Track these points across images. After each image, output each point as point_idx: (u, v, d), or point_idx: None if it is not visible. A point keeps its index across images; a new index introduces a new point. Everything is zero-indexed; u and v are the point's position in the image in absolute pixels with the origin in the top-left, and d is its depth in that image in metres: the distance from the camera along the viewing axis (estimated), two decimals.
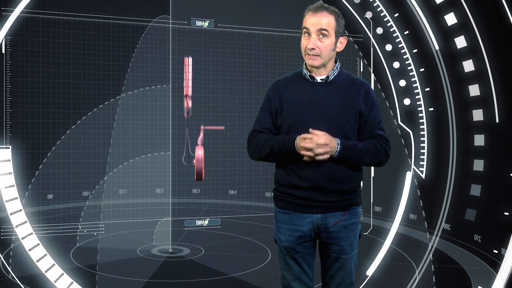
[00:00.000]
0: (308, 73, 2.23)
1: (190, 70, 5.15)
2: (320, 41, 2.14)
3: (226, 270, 4.45)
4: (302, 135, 2.09)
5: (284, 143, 2.15)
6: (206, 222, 5.93)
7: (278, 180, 2.27)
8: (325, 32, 2.13)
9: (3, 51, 5.45)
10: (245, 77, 6.37)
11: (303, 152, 2.08)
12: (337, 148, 2.09)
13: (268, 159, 2.25)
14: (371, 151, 2.17)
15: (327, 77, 2.21)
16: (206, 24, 6.16)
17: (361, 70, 6.43)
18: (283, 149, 2.14)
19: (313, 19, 2.14)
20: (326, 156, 2.08)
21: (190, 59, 5.17)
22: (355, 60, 6.46)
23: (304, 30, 2.16)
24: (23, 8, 5.47)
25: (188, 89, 5.17)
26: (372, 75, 6.38)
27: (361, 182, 2.29)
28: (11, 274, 4.19)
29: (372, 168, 6.32)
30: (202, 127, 5.05)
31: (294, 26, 6.39)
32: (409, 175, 5.81)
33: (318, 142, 2.05)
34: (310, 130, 2.08)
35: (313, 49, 2.13)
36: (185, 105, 5.19)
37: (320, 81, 2.21)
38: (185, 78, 5.21)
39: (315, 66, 2.17)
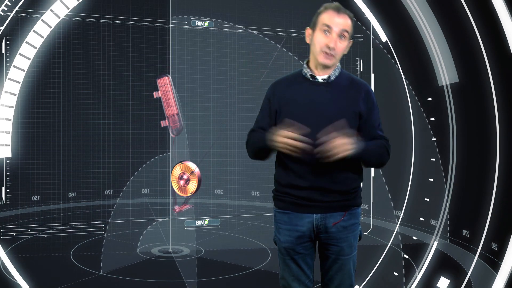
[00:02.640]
0: (309, 73, 2.22)
1: (171, 89, 5.11)
2: (340, 42, 2.16)
3: (226, 270, 4.45)
4: (279, 133, 2.08)
5: (260, 141, 2.19)
6: (206, 222, 5.94)
7: (278, 180, 2.27)
8: (346, 34, 2.16)
9: (3, 51, 5.45)
10: (245, 77, 6.37)
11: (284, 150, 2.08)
12: (353, 150, 2.05)
13: (259, 157, 2.30)
14: (377, 153, 2.17)
15: (329, 77, 2.21)
16: (206, 24, 6.16)
17: (361, 70, 6.43)
18: (261, 145, 2.19)
19: (338, 20, 2.15)
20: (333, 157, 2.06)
21: (170, 78, 5.14)
22: (355, 60, 6.46)
23: (325, 27, 2.15)
24: (23, 8, 5.47)
25: (173, 108, 5.12)
26: (372, 75, 6.38)
27: (361, 184, 2.29)
28: (11, 274, 4.19)
29: (372, 168, 6.32)
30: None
31: (294, 26, 6.39)
32: (409, 176, 5.82)
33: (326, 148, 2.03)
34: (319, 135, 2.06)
35: (334, 48, 2.14)
36: (170, 124, 5.15)
37: (322, 81, 2.21)
38: (166, 98, 5.14)
39: (329, 65, 2.18)
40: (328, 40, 2.14)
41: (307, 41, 2.25)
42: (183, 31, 6.11)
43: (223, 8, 6.29)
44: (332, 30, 2.14)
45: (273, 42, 6.40)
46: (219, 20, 6.23)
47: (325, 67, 2.19)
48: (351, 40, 2.23)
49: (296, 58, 6.37)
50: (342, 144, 2.01)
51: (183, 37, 6.12)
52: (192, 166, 5.04)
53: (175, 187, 5.09)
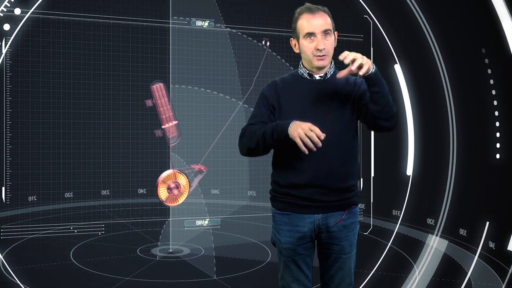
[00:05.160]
0: (307, 72, 2.24)
1: (166, 96, 5.06)
2: (326, 40, 2.17)
3: (226, 270, 4.45)
4: (305, 122, 2.00)
5: (277, 126, 2.08)
6: (206, 222, 5.94)
7: (276, 181, 2.27)
8: (329, 31, 2.17)
9: (3, 51, 5.45)
10: (245, 77, 6.37)
11: (296, 138, 1.98)
12: (373, 68, 2.04)
13: (258, 147, 2.14)
14: (387, 89, 2.11)
15: (325, 74, 2.24)
16: (206, 24, 6.16)
17: None
18: (276, 131, 2.07)
19: (315, 21, 2.16)
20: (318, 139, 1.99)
21: (162, 84, 5.09)
22: None
23: (307, 34, 2.16)
24: (23, 8, 5.47)
25: (171, 117, 5.07)
26: None
27: (358, 182, 2.31)
28: (11, 274, 4.19)
29: (372, 168, 6.32)
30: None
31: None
32: (409, 175, 5.82)
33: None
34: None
35: (324, 49, 2.16)
36: (166, 134, 5.12)
37: (319, 78, 2.23)
38: (163, 106, 5.08)
39: (325, 66, 2.20)
40: (315, 44, 2.16)
41: (296, 51, 2.26)
42: (183, 31, 6.10)
43: (223, 8, 6.29)
44: (315, 34, 2.15)
45: (273, 42, 6.39)
46: (222, 23, 6.23)
47: (323, 68, 2.21)
48: (336, 32, 2.24)
49: (296, 58, 6.36)
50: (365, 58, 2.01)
51: (183, 37, 6.12)
52: (169, 171, 5.05)
53: (172, 202, 5.09)
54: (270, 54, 6.41)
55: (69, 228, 5.68)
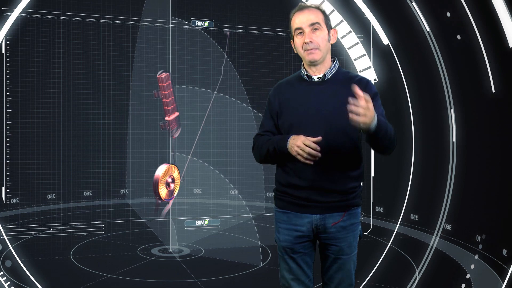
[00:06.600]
0: (306, 73, 2.23)
1: (170, 85, 5.05)
2: (315, 34, 2.16)
3: (225, 270, 4.45)
4: (299, 137, 2.07)
5: (278, 143, 2.16)
6: (206, 222, 5.93)
7: (278, 179, 2.28)
8: (317, 25, 2.16)
9: (3, 51, 5.46)
10: (245, 77, 6.37)
11: (297, 156, 2.07)
12: (374, 121, 1.96)
13: (268, 160, 2.27)
14: (389, 132, 2.09)
15: (324, 75, 2.21)
16: (206, 24, 6.16)
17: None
18: (277, 149, 2.16)
19: (302, 17, 2.17)
20: (315, 154, 2.04)
21: (168, 74, 5.07)
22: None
23: (297, 31, 2.18)
24: (23, 8, 5.48)
25: (175, 108, 5.06)
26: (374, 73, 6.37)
27: (361, 183, 2.29)
28: (12, 274, 4.19)
29: (372, 168, 6.31)
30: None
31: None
32: (410, 175, 5.81)
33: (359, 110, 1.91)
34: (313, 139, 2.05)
35: (311, 42, 2.15)
36: (170, 126, 5.12)
37: (317, 79, 2.22)
38: (169, 97, 5.05)
39: (316, 60, 2.17)
40: (302, 39, 2.17)
41: (295, 52, 2.28)
42: (183, 31, 6.11)
43: (223, 8, 6.29)
44: (303, 29, 2.17)
45: (274, 42, 6.39)
46: (222, 23, 6.23)
47: (316, 63, 2.19)
48: (335, 29, 2.24)
49: (297, 58, 6.35)
50: (371, 110, 1.91)
51: (183, 37, 6.12)
52: (163, 168, 5.07)
53: (169, 197, 5.10)
54: (271, 54, 6.42)
55: (69, 228, 5.68)
